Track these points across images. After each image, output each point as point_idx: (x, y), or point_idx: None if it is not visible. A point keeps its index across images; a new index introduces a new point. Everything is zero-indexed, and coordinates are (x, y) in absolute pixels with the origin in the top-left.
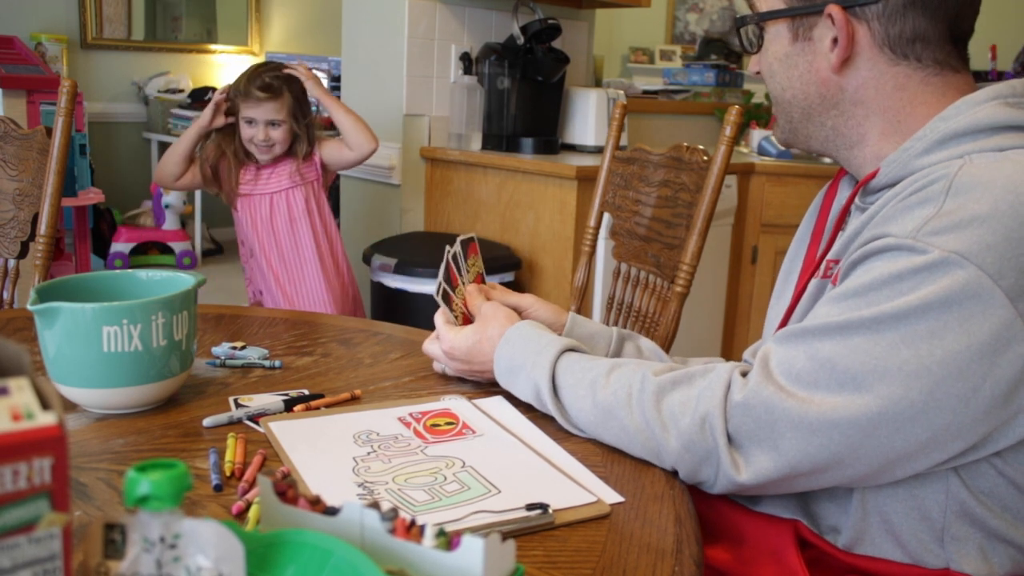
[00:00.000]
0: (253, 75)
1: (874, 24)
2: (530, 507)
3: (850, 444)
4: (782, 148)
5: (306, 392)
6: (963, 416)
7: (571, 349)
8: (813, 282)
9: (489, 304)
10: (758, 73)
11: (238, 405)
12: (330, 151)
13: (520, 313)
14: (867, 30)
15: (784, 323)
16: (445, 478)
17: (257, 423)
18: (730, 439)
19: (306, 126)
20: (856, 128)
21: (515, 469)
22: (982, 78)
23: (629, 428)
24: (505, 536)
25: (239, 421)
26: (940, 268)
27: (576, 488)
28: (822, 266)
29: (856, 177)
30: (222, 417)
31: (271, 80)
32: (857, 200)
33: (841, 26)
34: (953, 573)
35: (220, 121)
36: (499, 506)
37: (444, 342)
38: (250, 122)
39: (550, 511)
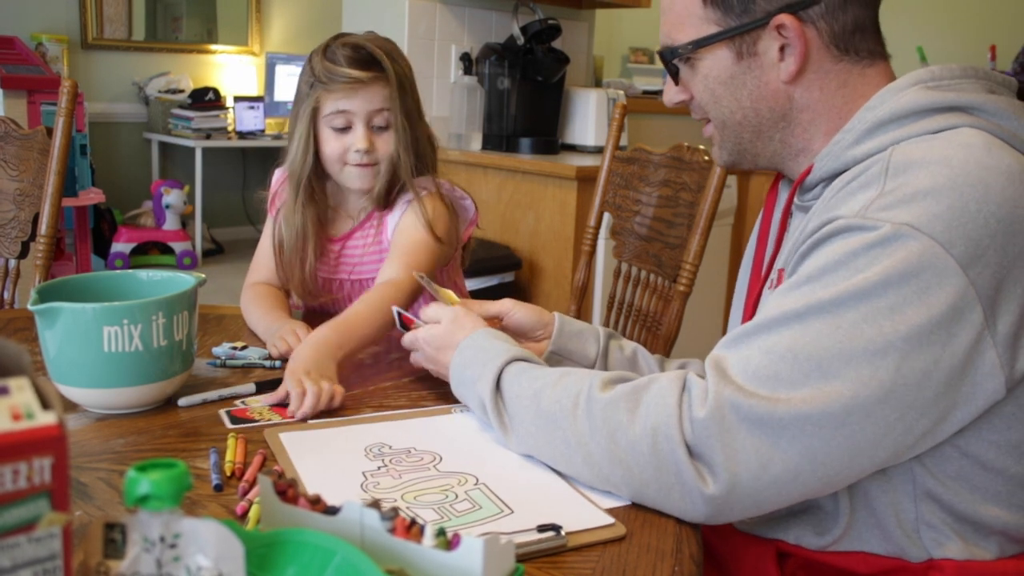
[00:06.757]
0: (339, 42)
1: (820, 24)
2: (542, 528)
3: (823, 437)
4: None
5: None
6: (927, 390)
7: (520, 359)
8: (766, 293)
9: (457, 309)
10: (680, 103)
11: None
12: None
13: (500, 319)
14: (815, 31)
15: None
16: (456, 496)
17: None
18: (690, 450)
19: (415, 142)
20: (803, 135)
21: (530, 486)
22: None
23: (571, 439)
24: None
25: (210, 402)
26: (893, 241)
27: (592, 508)
28: (773, 275)
29: (794, 180)
30: (196, 398)
31: (371, 48)
32: (796, 200)
33: (796, 34)
34: (936, 562)
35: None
36: (510, 527)
37: (421, 331)
38: (341, 127)
39: (563, 533)
